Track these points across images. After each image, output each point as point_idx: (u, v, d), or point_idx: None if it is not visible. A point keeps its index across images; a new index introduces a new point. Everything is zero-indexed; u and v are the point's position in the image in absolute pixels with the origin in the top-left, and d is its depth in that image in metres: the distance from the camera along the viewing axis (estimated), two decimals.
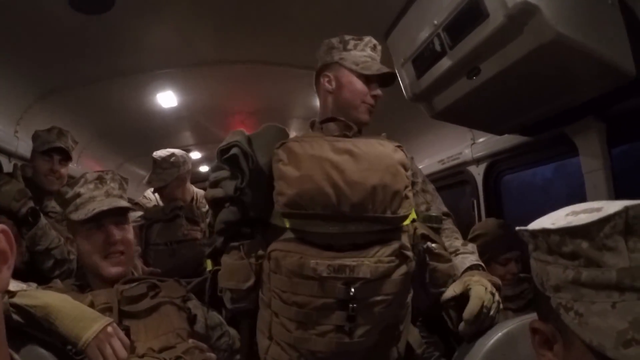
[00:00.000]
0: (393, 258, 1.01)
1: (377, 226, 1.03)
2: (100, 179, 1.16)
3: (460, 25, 1.25)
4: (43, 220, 1.53)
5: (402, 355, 1.09)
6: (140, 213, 2.13)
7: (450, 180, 2.63)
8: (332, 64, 1.23)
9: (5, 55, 1.65)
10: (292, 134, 1.17)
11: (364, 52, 1.22)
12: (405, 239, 1.08)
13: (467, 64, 1.32)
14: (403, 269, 1.02)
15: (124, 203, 1.15)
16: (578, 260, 0.48)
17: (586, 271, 0.47)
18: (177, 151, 2.26)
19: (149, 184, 2.26)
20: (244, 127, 1.26)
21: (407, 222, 1.10)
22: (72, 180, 1.17)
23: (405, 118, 2.32)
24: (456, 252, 1.18)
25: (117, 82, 2.07)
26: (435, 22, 1.34)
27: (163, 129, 2.89)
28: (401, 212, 1.05)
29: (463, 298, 1.01)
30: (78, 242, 1.13)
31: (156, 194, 2.40)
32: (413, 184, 1.18)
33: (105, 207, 1.09)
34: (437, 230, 1.18)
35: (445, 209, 1.28)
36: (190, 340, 1.05)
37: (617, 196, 1.51)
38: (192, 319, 1.13)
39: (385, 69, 1.19)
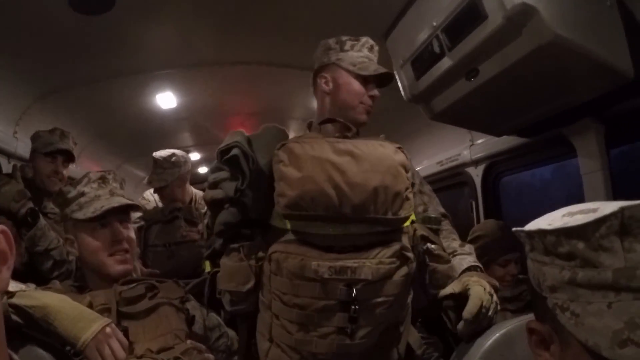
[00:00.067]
0: (394, 259, 1.01)
1: (378, 227, 1.03)
2: (103, 179, 1.18)
3: (459, 26, 1.26)
4: (42, 221, 1.52)
5: (402, 356, 1.09)
6: (139, 214, 2.13)
7: (449, 182, 2.63)
8: (329, 65, 1.22)
9: (5, 55, 1.65)
10: (292, 134, 1.17)
11: (361, 53, 1.22)
12: (405, 240, 1.08)
13: (465, 65, 1.32)
14: (404, 270, 1.02)
15: (130, 201, 1.16)
16: (574, 260, 0.48)
17: (582, 272, 0.48)
18: (177, 151, 2.26)
19: (150, 184, 2.25)
20: (244, 128, 1.26)
21: (407, 223, 1.10)
22: (74, 180, 1.17)
23: (404, 119, 2.32)
24: (454, 253, 1.18)
25: (116, 82, 2.07)
26: (434, 23, 1.35)
27: (162, 129, 2.88)
28: (402, 214, 1.04)
29: (462, 298, 1.01)
30: (80, 241, 1.13)
31: (155, 195, 2.40)
32: (412, 185, 1.18)
33: (115, 204, 1.10)
34: (436, 232, 1.18)
35: (442, 210, 1.28)
36: (189, 341, 1.05)
37: (616, 197, 1.52)
38: (190, 320, 1.13)
39: (382, 69, 1.19)
